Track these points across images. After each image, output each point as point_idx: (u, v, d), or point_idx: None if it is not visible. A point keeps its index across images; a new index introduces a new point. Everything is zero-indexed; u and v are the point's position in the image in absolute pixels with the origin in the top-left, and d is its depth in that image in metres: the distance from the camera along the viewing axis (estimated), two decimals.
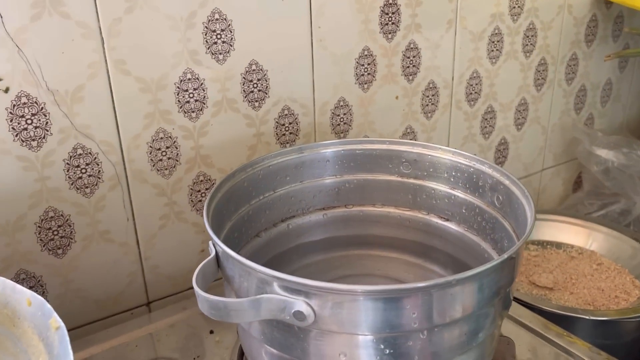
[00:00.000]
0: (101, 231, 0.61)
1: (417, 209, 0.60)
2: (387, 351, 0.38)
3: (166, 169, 0.63)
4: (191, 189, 0.66)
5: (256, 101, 0.67)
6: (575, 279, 0.74)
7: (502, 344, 0.51)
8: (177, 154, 0.64)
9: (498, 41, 0.86)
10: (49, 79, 0.54)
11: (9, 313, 0.41)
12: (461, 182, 0.56)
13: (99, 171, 0.59)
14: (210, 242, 0.45)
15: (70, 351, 0.35)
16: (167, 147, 0.63)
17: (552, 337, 0.56)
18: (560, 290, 0.72)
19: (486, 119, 0.91)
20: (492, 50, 0.86)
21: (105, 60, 0.56)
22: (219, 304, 0.38)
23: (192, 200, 0.66)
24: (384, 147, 0.59)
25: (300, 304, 0.37)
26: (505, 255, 0.39)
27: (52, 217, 0.58)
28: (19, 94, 0.53)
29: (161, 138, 0.62)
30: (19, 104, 0.53)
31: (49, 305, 0.39)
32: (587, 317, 0.64)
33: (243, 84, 0.65)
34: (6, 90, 0.53)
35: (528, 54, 0.91)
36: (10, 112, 0.53)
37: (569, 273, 0.75)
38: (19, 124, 0.54)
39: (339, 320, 0.37)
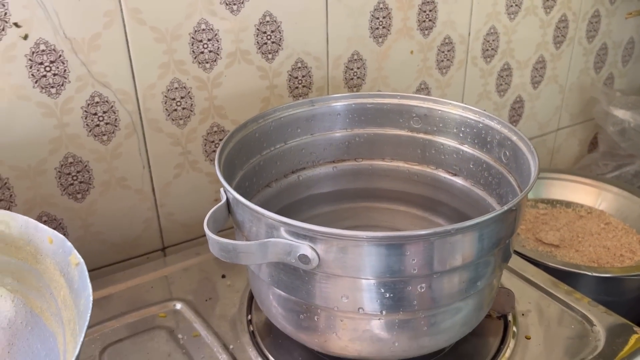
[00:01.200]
0: (118, 178, 0.63)
1: (425, 163, 0.61)
2: (387, 295, 0.40)
3: (181, 119, 0.65)
4: (205, 139, 0.67)
5: (269, 53, 0.67)
6: (582, 237, 0.75)
7: (502, 295, 0.53)
8: (192, 105, 0.65)
9: None
10: (66, 26, 0.55)
11: (32, 250, 0.44)
12: (470, 137, 0.56)
13: (116, 119, 0.61)
14: (221, 189, 0.46)
15: (89, 285, 0.37)
16: (182, 97, 0.64)
17: (553, 291, 0.58)
18: (566, 248, 0.73)
19: (502, 77, 0.90)
20: (511, 6, 0.85)
21: (121, 9, 0.57)
22: (229, 246, 0.40)
23: (205, 151, 0.68)
24: (395, 101, 0.59)
25: (305, 248, 0.39)
26: (505, 207, 0.40)
27: (71, 162, 0.60)
28: (38, 41, 0.54)
29: (176, 88, 0.63)
30: (37, 51, 0.55)
31: (69, 243, 0.41)
32: (590, 274, 0.66)
33: (257, 36, 0.66)
34: (25, 37, 0.54)
35: (548, 10, 0.89)
36: (30, 59, 0.55)
37: (576, 231, 0.76)
38: (38, 70, 0.55)
39: (342, 265, 0.39)
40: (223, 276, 0.61)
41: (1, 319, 0.45)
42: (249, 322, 0.54)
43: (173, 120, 0.64)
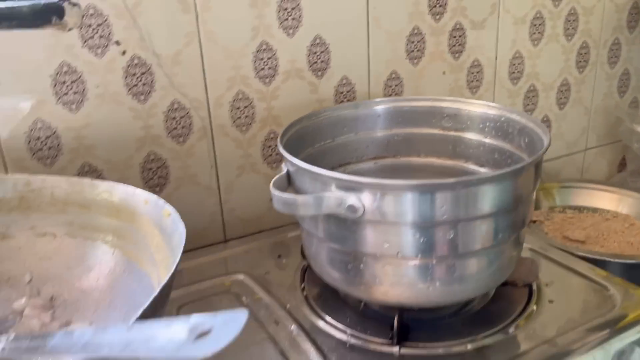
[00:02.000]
0: (190, 174, 0.74)
1: (456, 158, 0.69)
2: (421, 239, 0.48)
3: (243, 126, 0.76)
4: (263, 144, 0.78)
5: (319, 71, 0.78)
6: (607, 235, 0.80)
7: (527, 264, 0.60)
8: (253, 113, 0.76)
9: (540, 24, 0.94)
10: (155, 44, 0.67)
11: (130, 211, 0.54)
12: (494, 130, 0.65)
13: (190, 124, 0.72)
14: (282, 165, 0.56)
15: (181, 225, 0.47)
16: (245, 107, 0.75)
17: (575, 267, 0.64)
18: (592, 244, 0.79)
19: (528, 97, 0.98)
20: (534, 33, 0.94)
21: (198, 31, 0.69)
22: (290, 200, 0.49)
23: (264, 154, 0.78)
24: (428, 103, 0.69)
25: (352, 199, 0.48)
26: (522, 164, 0.48)
27: (152, 159, 0.72)
28: (133, 57, 0.67)
29: (240, 99, 0.74)
30: (132, 64, 0.67)
31: (161, 200, 0.51)
32: (615, 260, 0.71)
33: (308, 56, 0.77)
34: (123, 53, 0.66)
35: (569, 37, 0.98)
36: (125, 71, 0.67)
37: (601, 230, 0.82)
38: (131, 80, 0.67)
39: (383, 211, 0.47)
40: (279, 256, 0.70)
41: (103, 269, 0.55)
42: (302, 289, 0.63)
43: (237, 126, 0.75)
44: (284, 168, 0.55)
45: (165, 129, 0.71)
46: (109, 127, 0.68)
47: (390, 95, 0.84)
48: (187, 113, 0.72)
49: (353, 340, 0.54)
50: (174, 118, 0.71)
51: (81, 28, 0.63)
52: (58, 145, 0.66)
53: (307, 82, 0.78)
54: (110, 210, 0.55)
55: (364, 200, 0.48)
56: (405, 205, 0.47)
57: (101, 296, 0.53)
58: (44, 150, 0.65)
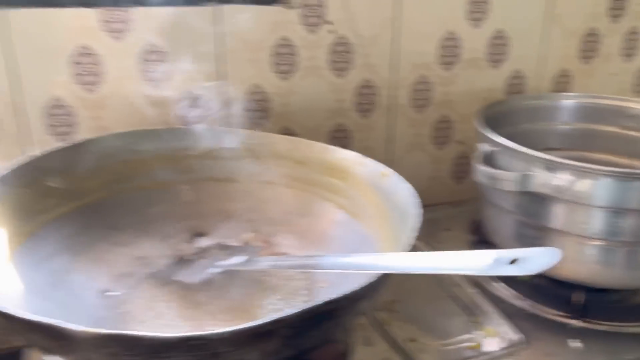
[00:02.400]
0: (367, 147, 0.82)
1: (634, 157, 0.72)
2: (611, 223, 0.53)
3: (420, 107, 0.82)
4: (434, 126, 0.84)
5: (496, 62, 0.83)
6: None
7: None
8: (431, 97, 0.82)
9: None
10: (359, 27, 0.75)
11: (343, 170, 0.62)
12: None
13: (375, 101, 0.80)
14: (479, 146, 0.62)
15: (405, 184, 0.54)
16: (424, 90, 0.82)
17: None
18: None
19: None
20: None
21: (396, 18, 0.76)
22: (495, 174, 0.55)
23: (433, 135, 0.84)
24: (613, 102, 0.72)
25: (557, 179, 0.53)
26: None
27: (339, 129, 0.80)
28: (339, 36, 0.75)
29: (421, 82, 0.81)
30: (338, 42, 0.75)
31: (375, 161, 0.59)
32: None
33: (489, 47, 0.82)
34: (332, 32, 0.75)
35: None
36: (331, 48, 0.75)
37: None
38: (334, 57, 0.76)
39: (579, 193, 0.52)
40: (446, 229, 0.76)
41: (317, 217, 0.63)
42: None
43: (414, 107, 0.82)
44: (480, 150, 0.61)
45: (354, 104, 0.79)
46: (309, 97, 0.77)
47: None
48: (374, 91, 0.80)
49: (532, 310, 0.59)
50: (363, 94, 0.79)
51: (302, 7, 0.72)
52: (268, 108, 0.76)
53: (483, 71, 0.83)
54: (324, 168, 0.64)
55: (565, 181, 0.53)
56: (601, 189, 0.52)
57: (316, 240, 0.62)
58: (257, 112, 0.76)
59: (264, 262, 0.53)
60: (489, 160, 0.60)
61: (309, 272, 0.57)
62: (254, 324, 0.33)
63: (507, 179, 0.55)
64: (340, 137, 0.80)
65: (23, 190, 0.53)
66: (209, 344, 0.33)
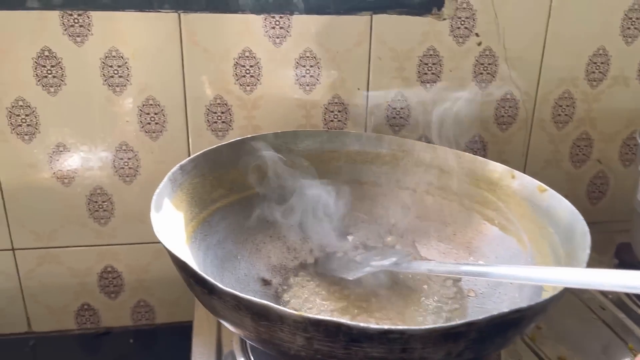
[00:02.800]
0: (502, 160, 0.81)
1: None
2: None
3: (560, 123, 0.81)
4: (574, 143, 0.82)
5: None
6: None
7: None
8: (573, 113, 0.80)
9: None
10: (507, 39, 0.75)
11: (492, 182, 0.62)
12: None
13: (516, 114, 0.79)
14: None
15: (564, 201, 0.54)
16: (567, 106, 0.80)
17: None
18: None
19: None
20: None
21: (546, 32, 0.75)
22: None
23: (571, 153, 0.82)
24: None
25: None
26: None
27: (476, 140, 0.80)
28: (486, 48, 0.75)
29: (565, 97, 0.79)
30: (483, 54, 0.75)
31: (536, 181, 0.59)
32: None
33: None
34: (479, 44, 0.75)
35: None
36: (477, 59, 0.75)
37: None
38: (479, 68, 0.76)
39: None
40: None
41: (458, 226, 0.64)
42: None
43: (555, 123, 0.80)
44: None
45: (494, 115, 0.79)
46: (449, 107, 0.78)
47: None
48: (516, 104, 0.79)
49: None
50: (504, 107, 0.79)
51: (452, 19, 0.73)
52: (409, 116, 0.77)
53: (631, 90, 0.80)
54: (471, 178, 0.65)
55: None
56: None
57: (457, 250, 0.63)
58: (398, 119, 0.77)
59: (421, 266, 0.54)
60: None
61: (460, 280, 0.58)
62: (448, 325, 0.35)
63: None
64: (476, 149, 0.80)
65: (198, 180, 0.58)
66: (403, 339, 0.35)
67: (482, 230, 0.62)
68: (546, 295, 0.48)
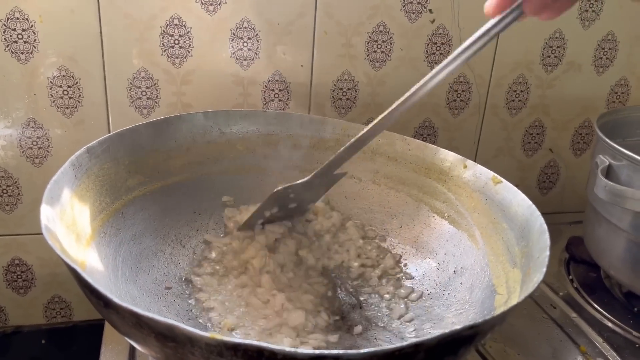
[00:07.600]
0: (453, 147, 0.76)
1: None
2: None
3: (514, 109, 0.77)
4: (527, 130, 0.78)
5: (601, 67, 0.77)
6: None
7: None
8: (527, 98, 0.76)
9: None
10: (460, 17, 0.70)
11: (441, 171, 0.57)
12: None
13: (469, 98, 0.74)
14: (597, 158, 0.57)
15: (519, 194, 0.49)
16: (522, 91, 0.76)
17: None
18: None
19: None
20: None
21: None
22: (622, 192, 0.50)
23: (523, 141, 0.79)
24: None
25: None
26: None
27: (426, 126, 0.75)
28: (439, 26, 0.70)
29: (520, 82, 0.75)
30: (436, 33, 0.70)
31: (483, 168, 0.54)
32: None
33: (595, 50, 0.76)
34: (432, 21, 0.69)
35: None
36: (429, 39, 0.70)
37: None
38: (431, 48, 0.70)
39: None
40: None
41: (405, 218, 0.59)
42: (571, 280, 0.63)
43: (508, 109, 0.76)
44: (598, 159, 0.56)
45: (446, 99, 0.74)
46: (400, 88, 0.72)
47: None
48: (469, 88, 0.74)
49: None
50: (457, 90, 0.74)
51: None
52: (354, 97, 0.71)
53: (586, 77, 0.77)
54: (419, 167, 0.59)
55: None
56: None
57: (403, 245, 0.57)
58: (342, 100, 0.71)
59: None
60: (609, 174, 0.55)
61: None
62: (392, 347, 0.29)
63: (631, 196, 0.49)
64: (426, 135, 0.75)
65: (110, 165, 0.50)
66: None
67: (431, 223, 0.57)
68: (501, 300, 0.43)
